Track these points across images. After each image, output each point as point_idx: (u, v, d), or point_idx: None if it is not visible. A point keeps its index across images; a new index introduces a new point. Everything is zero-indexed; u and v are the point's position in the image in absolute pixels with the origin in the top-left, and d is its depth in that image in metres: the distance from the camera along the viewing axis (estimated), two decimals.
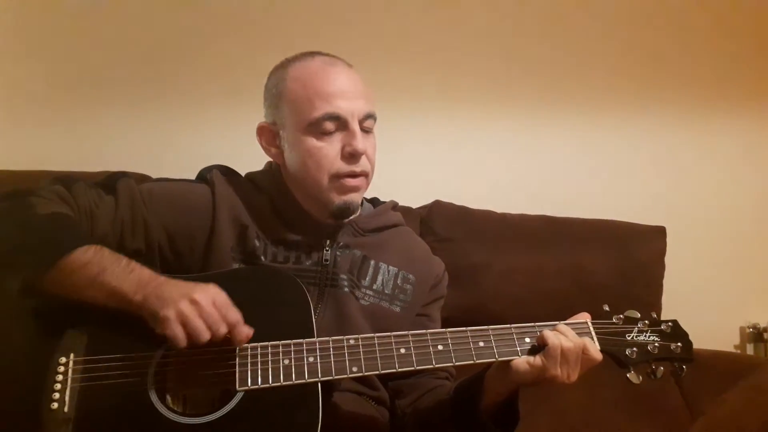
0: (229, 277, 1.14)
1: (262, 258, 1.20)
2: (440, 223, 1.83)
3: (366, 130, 1.21)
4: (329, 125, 1.18)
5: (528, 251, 1.83)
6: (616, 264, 1.85)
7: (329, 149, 1.18)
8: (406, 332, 1.06)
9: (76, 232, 1.06)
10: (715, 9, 2.18)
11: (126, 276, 1.00)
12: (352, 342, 1.03)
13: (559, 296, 1.78)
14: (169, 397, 1.02)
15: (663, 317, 1.16)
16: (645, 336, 1.12)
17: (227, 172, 1.29)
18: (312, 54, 1.25)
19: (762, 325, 2.18)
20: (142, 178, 1.41)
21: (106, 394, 0.99)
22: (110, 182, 1.20)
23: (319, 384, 1.01)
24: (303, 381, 1.00)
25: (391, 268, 1.29)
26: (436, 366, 1.05)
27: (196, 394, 1.05)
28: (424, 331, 1.07)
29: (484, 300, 1.78)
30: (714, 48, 2.19)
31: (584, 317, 1.12)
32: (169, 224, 1.19)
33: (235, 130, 1.83)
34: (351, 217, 1.27)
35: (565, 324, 1.09)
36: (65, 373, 0.99)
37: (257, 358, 1.01)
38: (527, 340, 1.07)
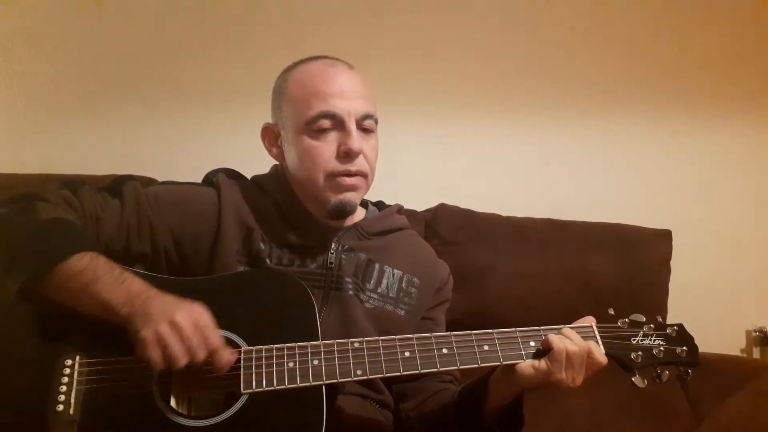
0: (234, 280, 1.15)
1: (268, 261, 1.20)
2: (445, 226, 1.82)
3: (365, 130, 1.21)
4: (325, 123, 1.18)
5: (533, 254, 1.82)
6: (622, 267, 1.83)
7: (325, 148, 1.18)
8: (410, 335, 1.06)
9: (75, 238, 1.04)
10: (717, 9, 2.18)
11: (116, 287, 0.99)
12: (356, 345, 1.03)
13: (564, 300, 1.77)
14: (173, 400, 1.02)
15: (669, 321, 1.15)
16: (650, 340, 1.11)
17: (233, 175, 1.29)
18: (316, 57, 1.25)
19: None
20: (148, 182, 1.42)
21: (112, 396, 0.99)
22: (116, 186, 1.20)
23: (324, 387, 1.01)
24: (308, 384, 1.00)
25: (396, 271, 1.29)
26: (441, 369, 1.05)
27: (200, 397, 1.06)
28: (428, 334, 1.07)
29: (489, 303, 1.77)
30: (720, 51, 2.19)
31: (589, 321, 1.12)
32: (175, 227, 1.19)
33: (241, 134, 1.83)
34: (356, 221, 1.27)
35: (570, 328, 1.08)
36: (71, 376, 0.99)
37: (262, 360, 1.01)
38: (532, 343, 1.07)
